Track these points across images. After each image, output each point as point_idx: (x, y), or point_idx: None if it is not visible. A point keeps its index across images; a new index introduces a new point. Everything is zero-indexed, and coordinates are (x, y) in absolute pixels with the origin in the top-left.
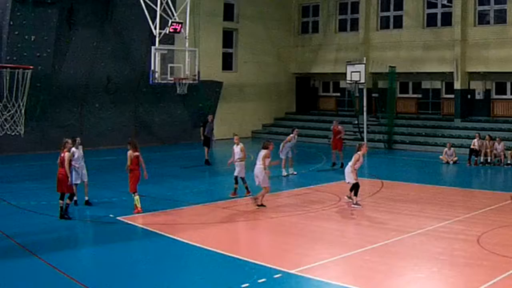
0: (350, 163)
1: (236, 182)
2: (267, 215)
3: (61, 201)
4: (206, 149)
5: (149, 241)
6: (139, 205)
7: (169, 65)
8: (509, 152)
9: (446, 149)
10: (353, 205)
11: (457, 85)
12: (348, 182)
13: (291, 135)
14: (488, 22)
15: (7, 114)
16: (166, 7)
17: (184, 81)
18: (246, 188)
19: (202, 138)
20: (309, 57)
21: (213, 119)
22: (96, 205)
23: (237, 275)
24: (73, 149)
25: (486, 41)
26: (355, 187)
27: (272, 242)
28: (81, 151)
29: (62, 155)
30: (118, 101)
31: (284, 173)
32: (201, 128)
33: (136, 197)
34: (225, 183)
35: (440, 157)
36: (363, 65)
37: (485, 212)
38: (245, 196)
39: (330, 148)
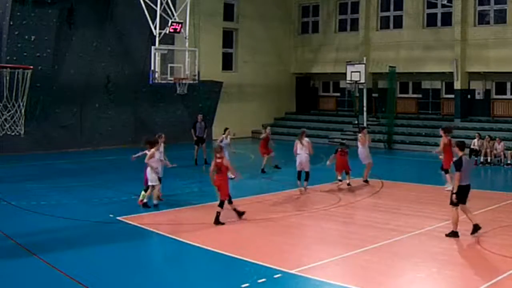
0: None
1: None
2: (267, 215)
3: (219, 208)
4: (202, 148)
5: (149, 241)
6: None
7: (169, 65)
8: (509, 152)
9: None
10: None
11: (457, 85)
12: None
13: (223, 135)
14: (488, 22)
15: (7, 114)
16: (166, 7)
17: (184, 81)
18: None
19: (195, 138)
20: (309, 57)
21: (203, 119)
22: (96, 205)
23: (237, 275)
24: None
25: (486, 41)
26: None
27: (272, 242)
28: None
29: (219, 161)
30: (118, 101)
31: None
32: (192, 130)
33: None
34: None
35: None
36: (363, 65)
37: (485, 212)
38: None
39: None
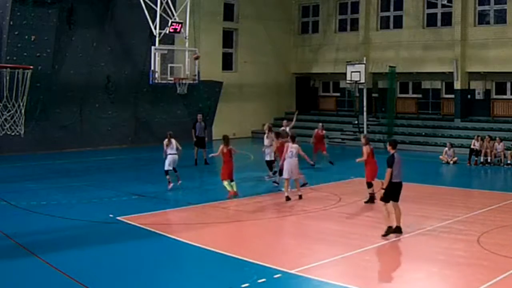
0: None
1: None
2: (267, 215)
3: (369, 189)
4: (203, 149)
5: (149, 241)
6: (232, 189)
7: (169, 65)
8: (509, 152)
9: (446, 149)
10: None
11: (457, 85)
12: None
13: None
14: (488, 22)
15: (7, 114)
16: (166, 7)
17: (184, 81)
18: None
19: (195, 139)
20: (309, 57)
21: (203, 118)
22: (96, 205)
23: (237, 275)
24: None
25: (486, 41)
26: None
27: (272, 242)
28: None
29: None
30: (118, 101)
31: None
32: (192, 130)
33: (225, 183)
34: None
35: (440, 157)
36: (363, 65)
37: (485, 212)
38: None
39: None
